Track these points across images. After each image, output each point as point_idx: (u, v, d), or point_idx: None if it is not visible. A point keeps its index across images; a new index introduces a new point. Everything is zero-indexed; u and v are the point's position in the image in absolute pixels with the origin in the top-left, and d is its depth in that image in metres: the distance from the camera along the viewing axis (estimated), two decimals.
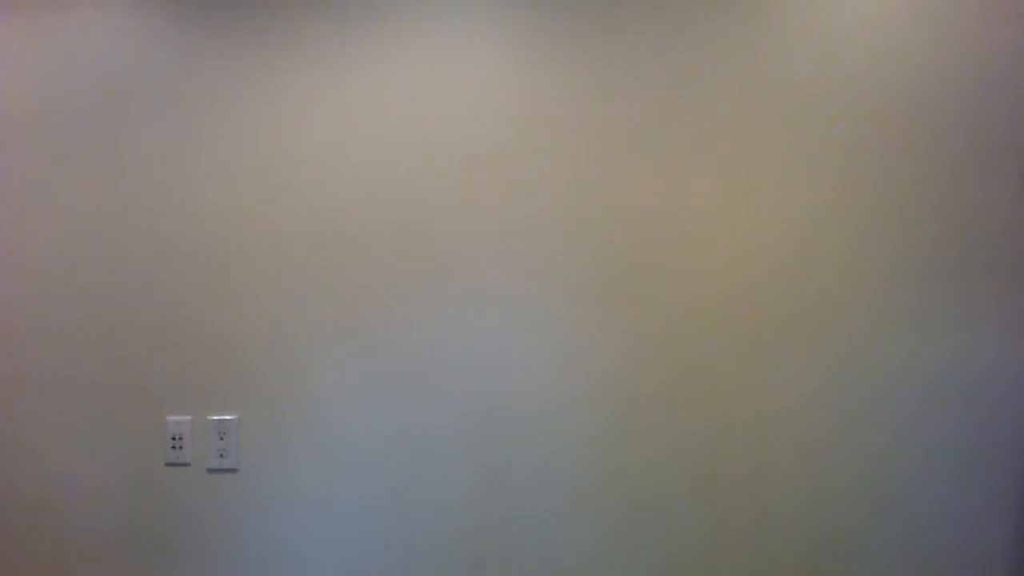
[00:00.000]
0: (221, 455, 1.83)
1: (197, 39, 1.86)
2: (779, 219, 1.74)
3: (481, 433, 1.80)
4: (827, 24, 1.73)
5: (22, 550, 1.86)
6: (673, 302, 1.76)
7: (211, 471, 1.84)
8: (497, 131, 1.81)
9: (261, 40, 1.85)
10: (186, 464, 1.85)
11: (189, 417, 1.85)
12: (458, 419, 1.80)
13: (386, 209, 1.83)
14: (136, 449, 1.85)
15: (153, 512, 1.85)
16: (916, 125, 1.71)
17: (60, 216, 1.87)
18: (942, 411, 1.69)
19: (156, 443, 1.85)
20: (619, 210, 1.77)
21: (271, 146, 1.84)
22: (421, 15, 1.83)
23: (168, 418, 1.85)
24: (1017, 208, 1.68)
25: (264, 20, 1.85)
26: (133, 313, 1.85)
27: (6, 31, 1.88)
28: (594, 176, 1.78)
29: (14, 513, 1.86)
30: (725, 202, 1.75)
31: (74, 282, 1.87)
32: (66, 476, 1.86)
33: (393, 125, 1.83)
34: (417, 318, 1.81)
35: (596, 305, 1.78)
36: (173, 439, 1.84)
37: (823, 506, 1.72)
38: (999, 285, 1.68)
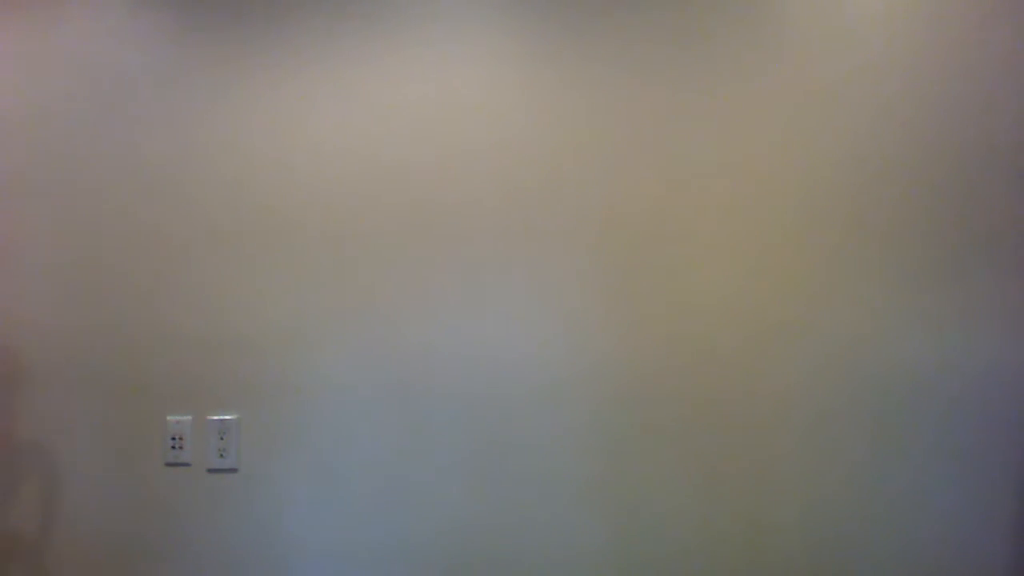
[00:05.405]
0: (221, 455, 1.83)
1: (198, 39, 1.86)
2: (779, 218, 1.74)
3: (482, 432, 1.80)
4: (829, 25, 1.73)
5: (21, 550, 1.86)
6: (674, 301, 1.76)
7: (211, 471, 1.84)
8: (498, 131, 1.81)
9: (262, 40, 1.85)
10: (186, 464, 1.85)
11: (189, 417, 1.85)
12: (459, 418, 1.80)
13: (387, 210, 1.83)
14: (136, 449, 1.85)
15: (153, 512, 1.85)
16: (916, 125, 1.71)
17: (60, 216, 1.87)
18: (942, 411, 1.69)
19: (156, 443, 1.85)
20: (621, 208, 1.78)
21: (271, 148, 1.84)
22: (421, 16, 1.83)
23: (168, 418, 1.85)
24: (1017, 208, 1.68)
25: (265, 21, 1.85)
26: (133, 313, 1.85)
27: (5, 31, 1.88)
28: (596, 175, 1.78)
29: (13, 513, 1.86)
30: (726, 201, 1.75)
31: (74, 282, 1.87)
32: (65, 476, 1.85)
33: (393, 125, 1.83)
34: (418, 317, 1.81)
35: (597, 304, 1.78)
36: (173, 439, 1.84)
37: (822, 504, 1.72)
38: (999, 285, 1.68)
